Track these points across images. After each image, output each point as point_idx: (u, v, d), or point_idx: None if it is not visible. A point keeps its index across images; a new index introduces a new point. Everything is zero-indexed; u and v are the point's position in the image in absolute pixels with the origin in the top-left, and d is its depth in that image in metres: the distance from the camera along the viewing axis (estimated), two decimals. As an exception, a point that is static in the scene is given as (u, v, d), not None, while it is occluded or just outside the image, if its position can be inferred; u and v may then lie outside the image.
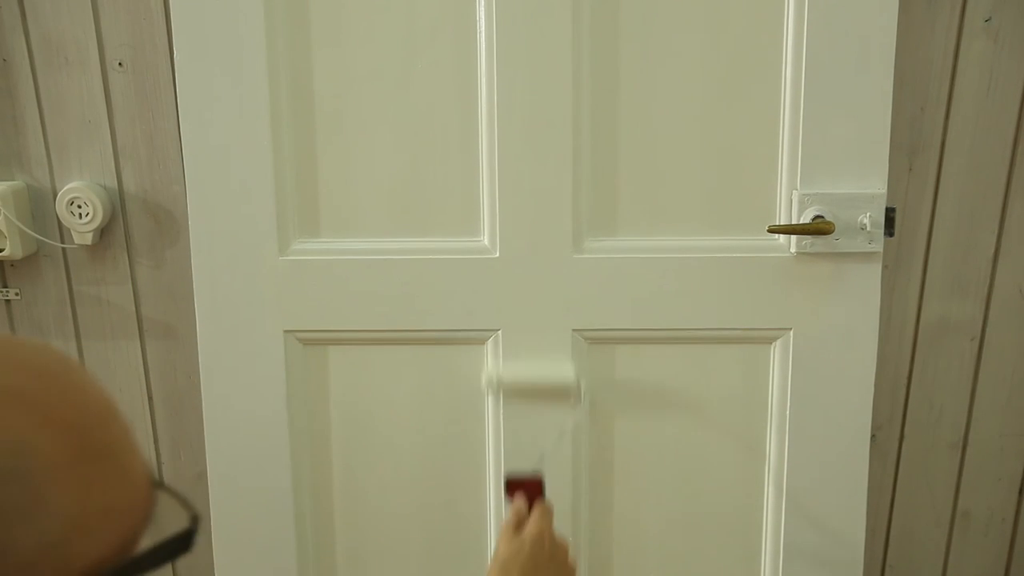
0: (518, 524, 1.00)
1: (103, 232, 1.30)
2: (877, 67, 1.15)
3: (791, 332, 1.23)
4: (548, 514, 1.01)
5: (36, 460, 0.41)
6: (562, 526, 1.30)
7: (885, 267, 1.26)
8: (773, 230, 1.17)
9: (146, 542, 0.47)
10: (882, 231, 1.19)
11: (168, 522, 0.47)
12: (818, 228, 1.16)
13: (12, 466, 0.40)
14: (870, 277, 1.21)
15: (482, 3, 1.17)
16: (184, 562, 1.44)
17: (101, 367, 1.36)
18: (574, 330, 1.24)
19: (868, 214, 1.18)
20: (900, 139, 1.23)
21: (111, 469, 0.45)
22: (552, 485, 1.29)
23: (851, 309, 1.22)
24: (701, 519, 1.32)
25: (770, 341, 1.25)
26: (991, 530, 1.40)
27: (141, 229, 1.30)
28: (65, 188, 1.26)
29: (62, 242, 1.31)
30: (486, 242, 1.23)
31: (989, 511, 1.39)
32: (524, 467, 1.09)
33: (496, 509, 1.30)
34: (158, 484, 0.48)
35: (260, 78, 1.17)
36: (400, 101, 1.20)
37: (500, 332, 1.24)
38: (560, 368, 1.24)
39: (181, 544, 0.47)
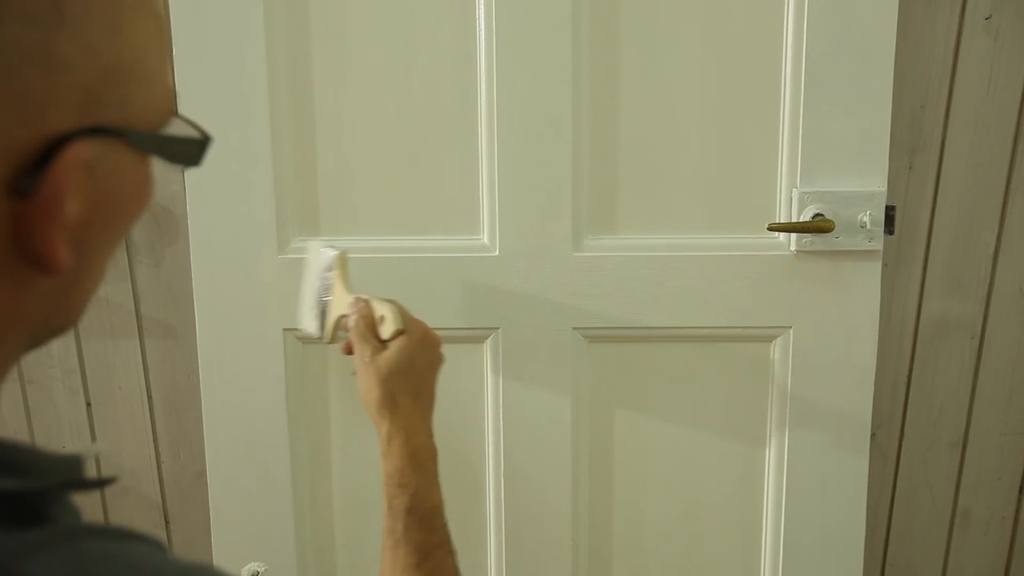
0: (368, 334, 0.95)
1: (102, 231, 1.30)
2: (877, 65, 1.15)
3: (791, 330, 1.23)
4: (402, 308, 0.97)
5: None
6: (562, 525, 1.30)
7: (885, 265, 1.26)
8: (773, 228, 1.17)
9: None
10: (882, 229, 1.19)
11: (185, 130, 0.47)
12: (818, 226, 1.15)
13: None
14: (870, 275, 1.21)
15: (481, 1, 1.17)
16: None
17: (101, 366, 1.36)
18: (574, 328, 1.24)
19: (868, 212, 1.18)
20: (900, 137, 1.23)
21: (160, 33, 0.45)
22: (552, 484, 1.29)
23: (851, 307, 1.22)
24: (700, 518, 1.32)
25: (770, 339, 1.25)
26: (991, 529, 1.40)
27: (140, 228, 1.30)
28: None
29: (61, 241, 1.30)
30: (486, 240, 1.23)
31: (989, 510, 1.39)
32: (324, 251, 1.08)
33: (496, 508, 1.30)
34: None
35: (260, 77, 1.17)
36: (400, 99, 1.20)
37: (500, 331, 1.24)
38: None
39: (197, 147, 0.47)
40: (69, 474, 0.43)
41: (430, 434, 0.93)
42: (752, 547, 1.33)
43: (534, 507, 1.29)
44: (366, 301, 0.99)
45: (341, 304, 1.04)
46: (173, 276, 1.31)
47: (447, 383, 1.29)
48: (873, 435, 1.33)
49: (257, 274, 1.23)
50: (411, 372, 0.93)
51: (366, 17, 1.18)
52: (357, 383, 0.95)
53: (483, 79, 1.18)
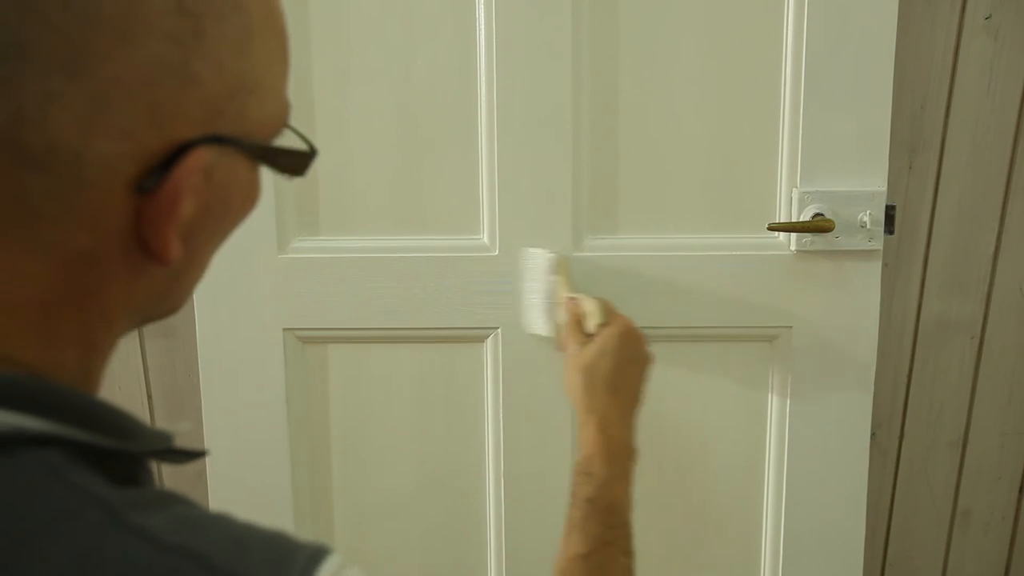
0: (576, 329, 1.00)
1: (102, 230, 1.30)
2: (877, 65, 1.15)
3: (791, 330, 1.23)
4: (609, 304, 1.01)
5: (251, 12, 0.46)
6: (562, 524, 1.30)
7: (885, 265, 1.26)
8: (773, 228, 1.17)
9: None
10: (882, 229, 1.19)
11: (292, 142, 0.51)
12: (818, 226, 1.15)
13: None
14: (870, 275, 1.21)
15: (481, 1, 1.16)
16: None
17: (100, 366, 1.36)
18: (574, 328, 1.24)
19: (868, 212, 1.17)
20: (900, 137, 1.23)
21: (284, 53, 0.49)
22: (552, 484, 1.29)
23: (851, 307, 1.22)
24: (700, 517, 1.32)
25: (770, 339, 1.25)
26: (991, 529, 1.40)
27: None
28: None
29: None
30: (485, 240, 1.23)
31: (989, 510, 1.39)
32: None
33: (496, 508, 1.30)
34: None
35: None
36: (400, 99, 1.20)
37: (499, 330, 1.24)
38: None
39: (303, 159, 0.51)
40: (165, 444, 0.48)
41: (628, 429, 0.93)
42: (752, 547, 1.33)
43: (534, 507, 1.29)
44: (576, 299, 1.05)
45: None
46: (173, 276, 1.31)
47: (447, 383, 1.30)
48: (873, 435, 1.33)
49: (257, 274, 1.23)
50: (609, 364, 0.95)
51: (366, 17, 1.18)
52: (563, 376, 0.98)
53: (483, 79, 1.18)
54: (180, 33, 0.42)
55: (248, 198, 0.50)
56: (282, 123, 0.50)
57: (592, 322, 1.01)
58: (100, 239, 0.43)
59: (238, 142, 0.46)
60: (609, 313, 1.02)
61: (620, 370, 0.95)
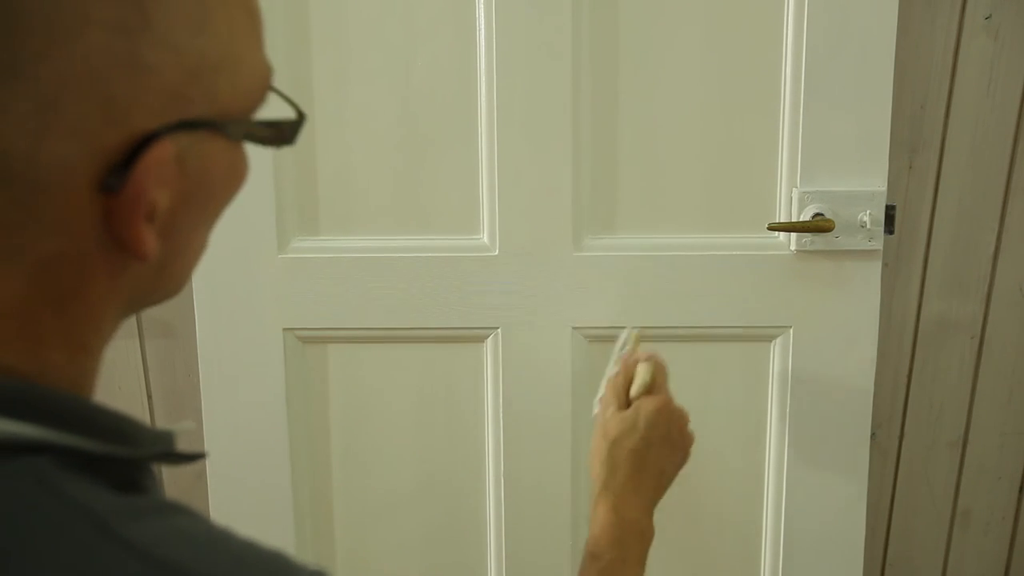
0: (620, 391, 0.91)
1: (102, 230, 1.30)
2: (877, 64, 1.15)
3: (791, 330, 1.23)
4: (662, 374, 0.91)
5: None
6: (562, 525, 1.30)
7: (885, 265, 1.26)
8: (773, 228, 1.17)
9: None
10: (882, 229, 1.19)
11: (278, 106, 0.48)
12: (818, 226, 1.15)
13: None
14: (870, 275, 1.21)
15: (481, 1, 1.16)
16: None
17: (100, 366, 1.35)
18: (574, 328, 1.24)
19: (868, 212, 1.17)
20: (900, 136, 1.23)
21: (252, 18, 0.47)
22: (552, 484, 1.29)
23: (851, 307, 1.22)
24: (700, 517, 1.32)
25: (770, 339, 1.25)
26: (991, 529, 1.40)
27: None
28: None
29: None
30: (485, 240, 1.23)
31: (989, 510, 1.39)
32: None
33: (495, 508, 1.30)
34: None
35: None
36: (400, 99, 1.20)
37: (499, 330, 1.24)
38: None
39: (289, 128, 0.49)
40: (165, 447, 0.46)
41: (645, 513, 0.87)
42: (752, 547, 1.32)
43: (534, 507, 1.29)
44: (635, 360, 0.95)
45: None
46: (173, 276, 1.31)
47: (447, 383, 1.30)
48: (873, 435, 1.33)
49: (257, 274, 1.23)
50: (637, 440, 0.88)
51: (366, 17, 1.18)
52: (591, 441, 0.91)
53: (483, 79, 1.18)
54: (123, 21, 0.39)
55: (232, 179, 0.48)
56: (263, 92, 0.48)
57: (635, 387, 0.93)
58: (72, 241, 0.41)
59: (210, 124, 0.44)
60: (657, 384, 0.93)
61: (650, 450, 0.89)
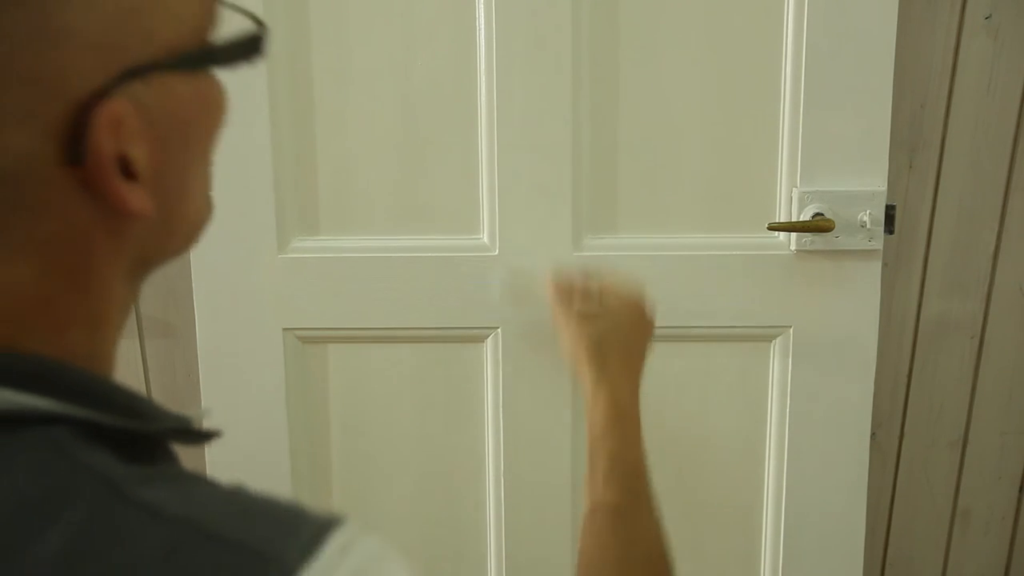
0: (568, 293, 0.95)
1: (102, 230, 1.30)
2: (877, 65, 1.15)
3: (791, 330, 1.23)
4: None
5: None
6: (562, 526, 1.30)
7: (885, 265, 1.26)
8: (773, 228, 1.17)
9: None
10: (882, 229, 1.19)
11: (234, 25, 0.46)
12: (818, 226, 1.15)
13: None
14: (870, 275, 1.21)
15: (481, 2, 1.16)
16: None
17: (100, 365, 1.36)
18: (574, 328, 1.24)
19: (868, 212, 1.18)
20: (900, 136, 1.23)
21: None
22: (552, 483, 1.29)
23: (851, 307, 1.22)
24: (700, 517, 1.32)
25: (770, 339, 1.25)
26: (991, 529, 1.40)
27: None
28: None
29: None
30: (485, 240, 1.23)
31: (989, 509, 1.39)
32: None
33: (495, 507, 1.30)
34: None
35: (260, 76, 1.17)
36: (400, 99, 1.20)
37: (499, 330, 1.24)
38: None
39: (251, 43, 0.47)
40: (179, 425, 0.47)
41: (635, 394, 0.90)
42: (752, 546, 1.33)
43: (534, 507, 1.29)
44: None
45: None
46: (173, 275, 1.31)
47: (447, 382, 1.30)
48: (873, 435, 1.33)
49: (257, 273, 1.23)
50: (619, 332, 0.92)
51: (366, 17, 1.18)
52: (560, 335, 0.95)
53: (483, 79, 1.18)
54: None
55: (208, 110, 0.47)
56: (207, 12, 0.45)
57: (590, 290, 0.97)
58: (63, 219, 0.41)
59: (157, 65, 0.42)
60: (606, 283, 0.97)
61: (628, 337, 0.93)
